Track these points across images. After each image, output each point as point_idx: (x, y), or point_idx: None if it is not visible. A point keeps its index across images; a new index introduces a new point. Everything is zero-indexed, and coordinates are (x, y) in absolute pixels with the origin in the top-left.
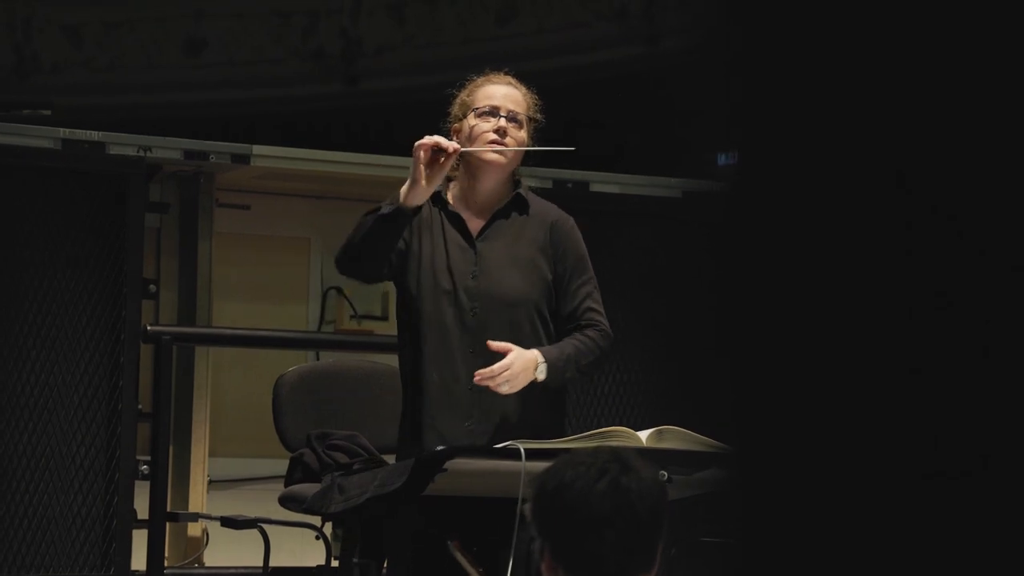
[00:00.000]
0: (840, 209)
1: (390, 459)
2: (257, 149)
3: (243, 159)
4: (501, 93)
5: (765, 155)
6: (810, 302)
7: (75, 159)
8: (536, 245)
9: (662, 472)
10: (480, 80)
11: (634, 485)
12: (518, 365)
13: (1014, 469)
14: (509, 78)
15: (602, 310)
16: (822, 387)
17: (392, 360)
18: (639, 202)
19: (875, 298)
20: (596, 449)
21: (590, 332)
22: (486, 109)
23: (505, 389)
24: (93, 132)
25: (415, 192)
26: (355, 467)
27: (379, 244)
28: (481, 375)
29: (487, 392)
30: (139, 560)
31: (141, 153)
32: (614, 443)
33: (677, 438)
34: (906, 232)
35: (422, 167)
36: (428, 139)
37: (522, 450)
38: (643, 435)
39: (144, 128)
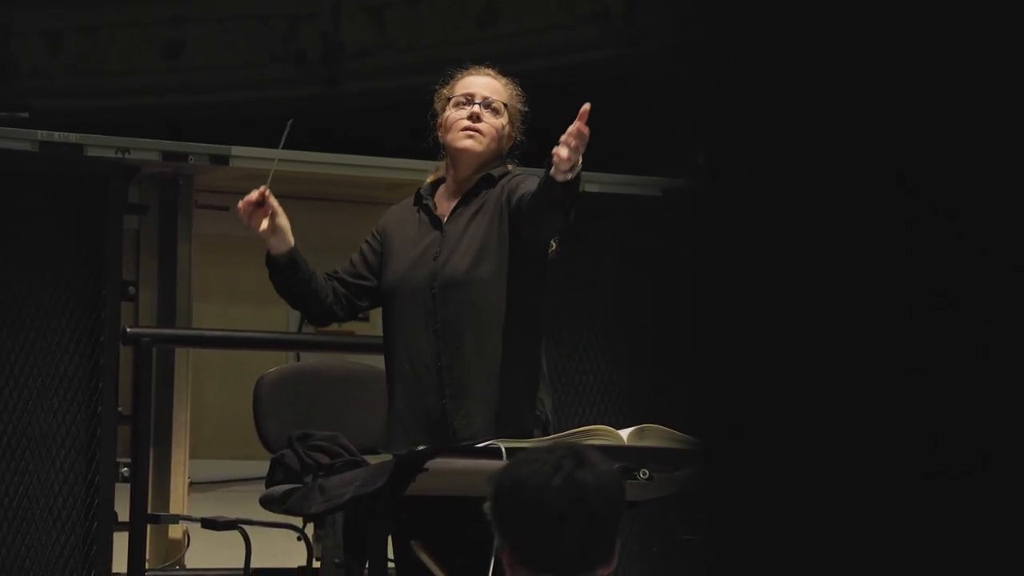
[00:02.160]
0: (840, 209)
1: (371, 459)
2: (236, 150)
3: (222, 160)
4: (479, 83)
5: (766, 155)
6: (810, 302)
7: (53, 161)
8: (496, 211)
9: (626, 465)
10: (460, 73)
11: (590, 479)
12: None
13: (1014, 469)
14: (488, 70)
15: None
16: (822, 387)
17: (373, 360)
18: (619, 200)
19: (875, 298)
20: (552, 445)
21: None
22: (462, 99)
23: (571, 146)
24: (71, 134)
25: (270, 242)
26: (336, 467)
27: (291, 292)
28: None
29: (455, 370)
30: (120, 563)
31: (120, 155)
32: (595, 442)
33: (658, 436)
34: (906, 232)
35: (253, 223)
36: (241, 203)
37: (503, 449)
38: (624, 433)
39: (123, 130)
